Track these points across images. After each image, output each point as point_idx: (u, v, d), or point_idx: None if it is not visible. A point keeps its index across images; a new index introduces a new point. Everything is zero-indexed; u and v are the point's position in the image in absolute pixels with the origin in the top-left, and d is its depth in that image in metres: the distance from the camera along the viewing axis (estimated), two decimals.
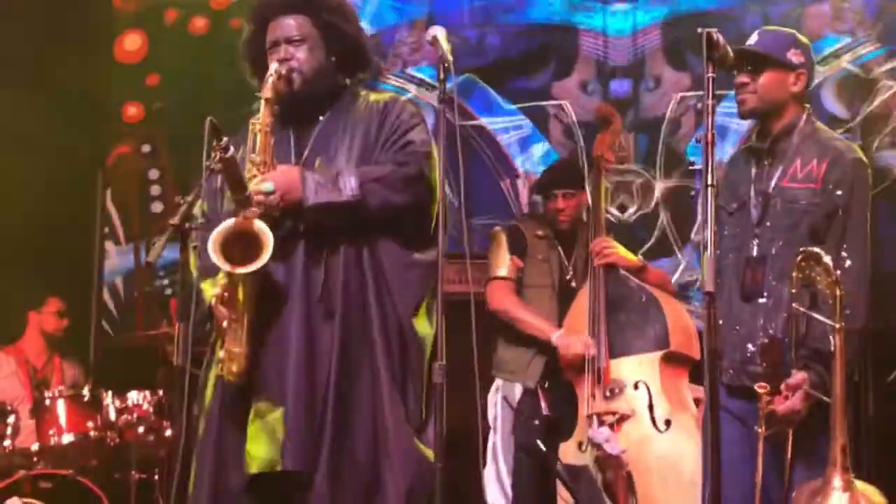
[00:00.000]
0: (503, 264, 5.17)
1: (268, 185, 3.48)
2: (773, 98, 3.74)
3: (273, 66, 3.61)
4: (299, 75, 3.65)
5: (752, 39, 3.77)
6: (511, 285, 5.15)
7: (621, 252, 4.96)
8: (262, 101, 3.57)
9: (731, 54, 3.23)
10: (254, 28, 3.79)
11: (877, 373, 5.12)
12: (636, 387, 4.70)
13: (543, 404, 4.96)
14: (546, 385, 5.00)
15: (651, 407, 4.65)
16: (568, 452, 4.75)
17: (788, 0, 6.90)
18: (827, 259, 3.37)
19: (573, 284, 5.10)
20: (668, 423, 4.60)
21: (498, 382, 5.16)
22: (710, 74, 3.11)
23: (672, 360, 4.75)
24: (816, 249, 3.43)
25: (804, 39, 3.86)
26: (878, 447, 5.12)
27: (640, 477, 4.52)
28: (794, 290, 3.48)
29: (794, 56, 3.74)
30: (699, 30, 3.14)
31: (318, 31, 3.71)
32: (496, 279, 5.16)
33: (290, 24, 3.69)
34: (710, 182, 2.99)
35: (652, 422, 4.63)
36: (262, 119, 3.56)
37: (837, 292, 3.35)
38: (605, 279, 4.88)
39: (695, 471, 4.25)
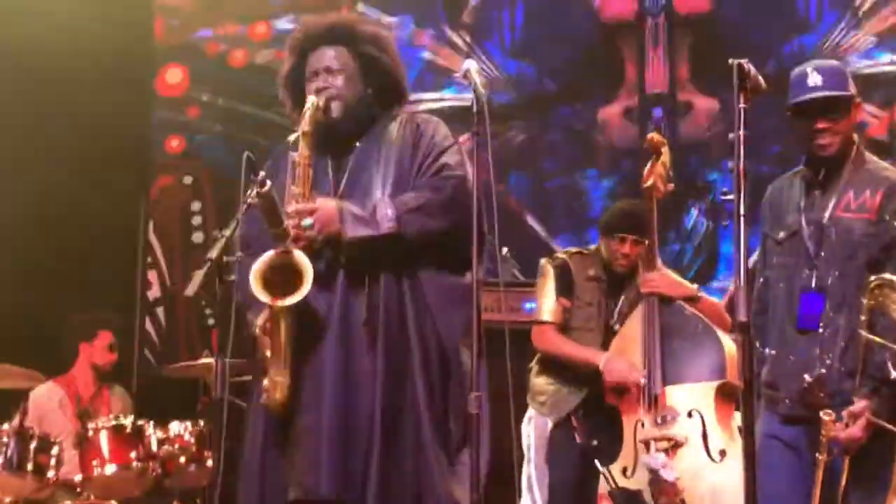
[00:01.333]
0: (549, 306, 5.09)
1: (306, 221, 3.53)
2: (850, 134, 3.73)
3: (311, 99, 3.66)
4: (338, 103, 3.70)
5: (816, 80, 3.69)
6: (555, 328, 5.07)
7: (671, 282, 4.93)
8: (300, 135, 3.62)
9: (763, 84, 3.22)
10: (294, 59, 3.85)
11: None
12: (690, 415, 4.62)
13: (577, 432, 4.93)
14: (581, 413, 4.97)
15: (705, 436, 4.57)
16: (613, 478, 4.72)
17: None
18: None
19: (616, 328, 5.03)
20: (723, 453, 4.52)
21: (531, 412, 5.14)
22: (742, 105, 3.11)
23: (726, 390, 4.65)
24: (891, 276, 3.41)
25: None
26: None
27: None
28: (863, 317, 3.47)
29: (852, 87, 3.73)
30: (730, 60, 3.14)
31: (356, 62, 3.77)
32: (541, 323, 5.09)
33: (330, 55, 3.75)
34: (742, 212, 3.00)
35: (706, 451, 4.55)
36: (300, 151, 3.61)
37: None
38: (659, 305, 4.82)
39: None
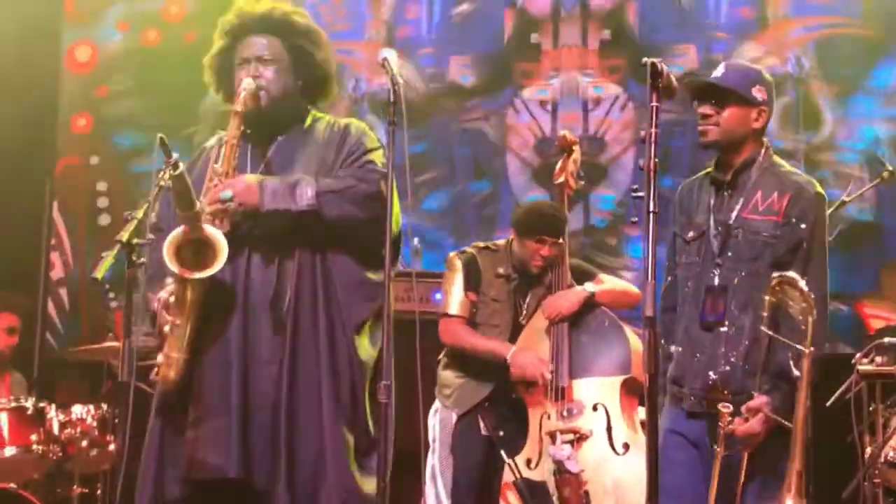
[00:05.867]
0: (456, 300, 5.08)
1: (226, 193, 3.51)
2: (735, 132, 3.75)
3: (247, 81, 3.65)
4: (266, 94, 3.69)
5: (719, 72, 3.77)
6: (462, 321, 5.06)
7: (567, 301, 4.88)
8: (232, 114, 3.61)
9: (675, 84, 3.26)
10: (225, 43, 3.82)
11: (815, 398, 5.20)
12: (595, 408, 4.69)
13: (482, 424, 4.94)
14: (487, 405, 4.99)
15: (609, 429, 4.65)
16: (518, 469, 4.76)
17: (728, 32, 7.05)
18: (802, 284, 3.43)
19: (524, 323, 5.04)
20: (626, 446, 4.59)
21: (437, 404, 5.14)
22: (654, 104, 3.15)
23: (631, 385, 4.73)
24: (792, 274, 3.47)
25: (769, 77, 3.88)
26: (816, 473, 5.17)
27: (596, 498, 4.54)
28: (764, 314, 3.52)
29: (758, 92, 3.76)
30: (643, 59, 3.18)
31: (288, 54, 3.76)
32: (447, 316, 5.08)
33: (263, 44, 3.73)
34: (651, 209, 3.04)
35: (610, 444, 4.63)
36: (230, 131, 3.61)
37: (810, 318, 3.41)
38: None
39: None
